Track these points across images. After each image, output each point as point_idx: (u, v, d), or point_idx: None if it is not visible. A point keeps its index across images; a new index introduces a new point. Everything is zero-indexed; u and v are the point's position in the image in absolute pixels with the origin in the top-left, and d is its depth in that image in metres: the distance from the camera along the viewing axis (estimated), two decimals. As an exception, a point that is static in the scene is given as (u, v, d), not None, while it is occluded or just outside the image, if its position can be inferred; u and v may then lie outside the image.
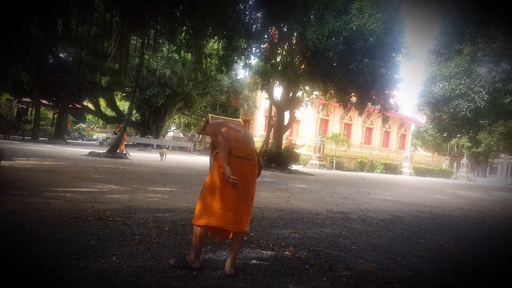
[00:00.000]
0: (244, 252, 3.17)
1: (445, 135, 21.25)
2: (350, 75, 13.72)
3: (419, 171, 29.65)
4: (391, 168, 27.92)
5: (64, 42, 17.28)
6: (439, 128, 20.67)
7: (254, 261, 2.98)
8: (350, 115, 27.98)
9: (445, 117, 18.79)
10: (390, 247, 3.92)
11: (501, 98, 16.28)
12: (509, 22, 9.72)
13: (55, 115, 27.67)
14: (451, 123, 19.12)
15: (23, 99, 25.90)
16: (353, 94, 16.23)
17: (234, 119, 3.17)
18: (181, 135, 36.32)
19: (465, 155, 35.78)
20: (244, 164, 2.63)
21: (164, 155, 15.30)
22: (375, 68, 13.41)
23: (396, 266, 3.26)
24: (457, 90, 16.69)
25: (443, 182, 22.71)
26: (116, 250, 2.85)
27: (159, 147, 25.47)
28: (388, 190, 12.04)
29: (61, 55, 22.14)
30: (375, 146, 32.03)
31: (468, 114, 16.70)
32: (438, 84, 18.68)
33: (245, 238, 3.26)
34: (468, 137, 24.86)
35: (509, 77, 15.81)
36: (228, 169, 2.52)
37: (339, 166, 25.32)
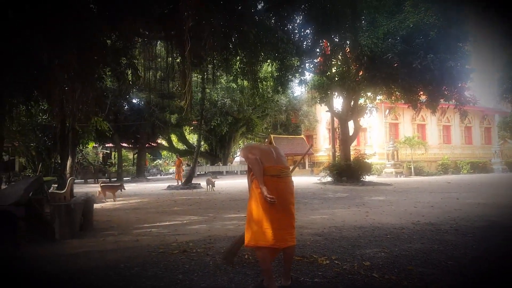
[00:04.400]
0: (328, 278, 3.04)
1: (539, 121, 18.61)
2: (415, 74, 12.90)
3: (514, 166, 26.18)
4: (479, 167, 25.13)
5: (135, 88, 19.11)
6: (529, 114, 18.19)
7: (340, 286, 2.83)
8: (421, 115, 26.04)
9: (535, 101, 16.53)
10: (489, 258, 3.45)
11: None
12: None
13: (135, 155, 30.37)
14: (545, 107, 16.72)
15: (106, 145, 28.94)
16: (421, 92, 15.17)
17: (269, 145, 3.24)
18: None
19: None
20: (279, 182, 2.76)
21: (210, 185, 13.52)
22: (442, 62, 12.43)
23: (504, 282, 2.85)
24: (546, 70, 14.66)
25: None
26: (203, 283, 2.94)
27: (228, 173, 26.32)
28: (480, 192, 10.78)
29: (133, 100, 24.51)
30: (456, 144, 29.15)
31: None
32: (520, 66, 16.59)
33: (319, 258, 3.13)
34: None
35: None
36: (264, 188, 2.64)
37: (419, 172, 23.44)
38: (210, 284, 2.90)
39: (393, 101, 17.76)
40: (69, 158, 10.06)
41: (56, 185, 10.04)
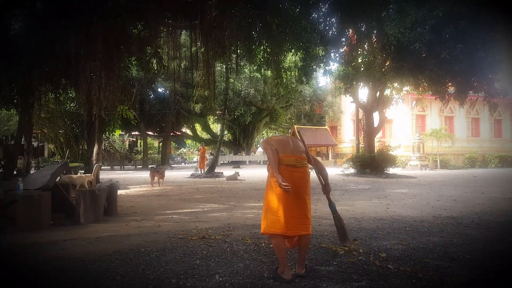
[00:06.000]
0: (343, 267, 3.09)
1: None
2: (443, 64, 12.47)
3: (549, 161, 24.89)
4: (508, 161, 24.12)
5: (160, 78, 19.50)
6: None
7: (354, 276, 2.88)
8: (450, 107, 25.11)
9: None
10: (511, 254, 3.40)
11: None
12: None
13: (160, 144, 31.11)
14: None
15: (132, 133, 29.78)
16: (449, 84, 14.65)
17: (290, 137, 3.20)
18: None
19: None
20: (295, 172, 2.82)
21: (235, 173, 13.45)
22: (472, 52, 11.93)
23: (525, 278, 2.81)
24: None
25: None
26: (219, 269, 3.06)
27: (251, 162, 26.49)
28: (507, 187, 10.42)
29: (159, 90, 25.01)
30: (485, 138, 27.99)
31: None
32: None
33: (324, 245, 3.19)
34: None
35: None
36: (279, 176, 2.70)
37: (445, 165, 22.76)
38: (226, 270, 3.02)
39: (420, 93, 17.24)
40: (96, 145, 10.47)
41: (83, 171, 10.51)
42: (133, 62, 10.81)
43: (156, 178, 10.82)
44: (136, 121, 18.52)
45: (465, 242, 3.88)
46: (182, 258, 3.39)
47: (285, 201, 2.75)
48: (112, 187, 6.09)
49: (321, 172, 3.04)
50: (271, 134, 37.11)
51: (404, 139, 24.61)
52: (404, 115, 25.54)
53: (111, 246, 3.85)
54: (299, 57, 13.74)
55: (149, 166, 18.77)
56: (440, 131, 23.22)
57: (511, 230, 4.47)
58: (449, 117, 27.05)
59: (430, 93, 16.29)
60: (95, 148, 10.41)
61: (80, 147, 14.49)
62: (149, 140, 29.82)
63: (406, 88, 17.41)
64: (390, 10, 12.60)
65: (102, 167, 12.48)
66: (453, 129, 26.43)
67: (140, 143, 31.65)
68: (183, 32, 11.93)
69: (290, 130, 28.75)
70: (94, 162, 9.97)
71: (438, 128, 23.83)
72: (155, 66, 10.59)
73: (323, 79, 26.38)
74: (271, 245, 3.77)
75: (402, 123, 25.88)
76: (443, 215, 5.56)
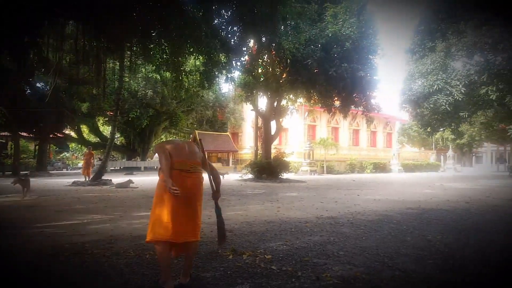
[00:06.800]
0: (229, 272, 3.07)
1: (428, 130, 21.49)
2: (331, 80, 13.87)
3: (408, 167, 29.91)
4: (380, 167, 28.12)
5: (39, 71, 17.00)
6: (422, 123, 20.92)
7: (239, 280, 2.89)
8: (336, 119, 28.22)
9: (427, 112, 19.03)
10: (378, 248, 3.88)
11: (477, 89, 16.63)
12: (477, 17, 9.99)
13: (37, 147, 27.10)
14: (433, 117, 19.38)
15: (1, 134, 25.30)
16: (336, 98, 16.38)
17: (188, 142, 3.12)
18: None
19: (450, 147, 36.36)
20: (188, 177, 2.76)
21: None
22: (354, 71, 13.58)
23: (383, 268, 3.22)
24: (435, 86, 16.98)
25: (431, 176, 22.92)
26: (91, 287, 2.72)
27: (146, 169, 25.12)
28: (378, 189, 12.08)
29: (38, 85, 21.72)
30: (363, 147, 32.30)
31: (447, 107, 16.97)
32: (416, 81, 18.95)
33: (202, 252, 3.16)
34: (450, 129, 25.18)
35: (483, 68, 16.16)
36: (169, 180, 2.60)
37: (330, 170, 25.37)
38: None
39: (312, 105, 18.90)
40: None
41: None
42: (5, 51, 9.18)
43: (23, 188, 9.11)
44: (4, 119, 15.72)
45: (340, 240, 4.28)
46: (49, 278, 2.92)
47: (175, 206, 2.63)
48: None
49: (215, 179, 3.00)
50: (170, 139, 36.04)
51: (297, 147, 26.65)
52: (298, 124, 27.68)
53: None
54: (201, 61, 13.63)
55: (21, 172, 16.09)
56: (327, 140, 25.83)
57: (377, 227, 5.11)
58: (335, 128, 30.34)
59: (320, 105, 17.94)
60: None
61: None
62: (22, 142, 25.68)
63: (300, 99, 18.86)
64: (288, 26, 13.49)
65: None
66: (338, 138, 29.73)
67: (11, 145, 27.05)
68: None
69: (191, 135, 28.32)
70: None
71: (326, 137, 26.48)
72: (33, 57, 9.22)
73: (226, 86, 26.88)
74: (156, 256, 3.55)
75: (296, 132, 27.98)
76: (324, 216, 6.09)
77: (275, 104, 17.69)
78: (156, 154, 3.02)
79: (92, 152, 16.60)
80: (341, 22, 13.78)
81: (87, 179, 14.17)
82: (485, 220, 5.89)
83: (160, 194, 2.72)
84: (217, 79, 17.00)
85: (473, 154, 45.49)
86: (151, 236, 2.65)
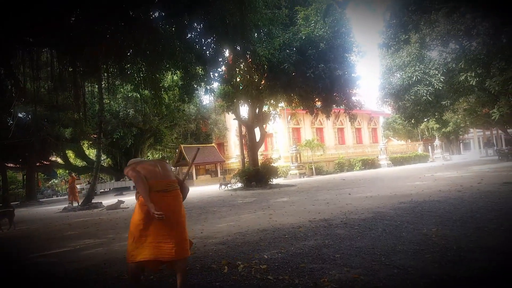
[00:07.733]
0: (225, 286, 3.02)
1: (412, 121, 21.91)
2: (309, 82, 14.01)
3: (396, 161, 30.25)
4: (368, 163, 28.39)
5: (19, 101, 16.62)
6: (405, 116, 21.31)
7: (236, 294, 2.84)
8: (319, 120, 28.41)
9: (408, 104, 19.41)
10: (374, 247, 3.88)
11: (456, 76, 17.01)
12: (446, 5, 10.25)
13: (24, 176, 26.45)
14: (415, 109, 19.77)
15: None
16: (316, 99, 16.51)
17: (158, 161, 3.08)
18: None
19: (436, 136, 36.97)
20: (166, 197, 2.74)
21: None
22: (331, 71, 13.74)
23: (381, 267, 3.21)
24: (414, 77, 17.37)
25: (421, 167, 23.19)
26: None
27: (136, 189, 24.69)
28: (369, 186, 12.14)
29: (19, 115, 21.27)
30: (350, 144, 32.57)
31: (429, 97, 17.35)
32: (395, 74, 19.36)
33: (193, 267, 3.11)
34: (434, 119, 25.72)
35: (459, 55, 16.55)
36: (151, 205, 2.58)
37: (319, 171, 25.49)
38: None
39: (293, 108, 19.00)
40: None
41: None
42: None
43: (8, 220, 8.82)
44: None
45: (335, 242, 4.27)
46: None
47: (160, 227, 2.63)
48: None
49: (182, 191, 2.96)
50: (157, 156, 35.69)
51: (284, 151, 26.70)
52: (282, 129, 27.78)
53: None
54: (178, 76, 13.59)
55: (11, 203, 15.72)
56: (313, 142, 25.97)
57: (371, 225, 5.12)
58: (319, 129, 30.55)
59: (302, 108, 18.06)
60: None
61: None
62: (10, 173, 25.11)
63: (281, 104, 18.95)
64: (261, 33, 13.60)
65: None
66: (324, 139, 29.92)
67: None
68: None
69: (177, 150, 28.09)
70: None
71: (311, 139, 26.62)
72: (11, 88, 9.02)
73: (206, 97, 26.85)
74: (151, 277, 3.47)
75: (281, 136, 28.06)
76: (317, 219, 6.07)
77: (257, 111, 17.72)
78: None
79: (74, 177, 16.36)
80: (313, 24, 13.97)
81: (77, 205, 13.98)
82: (478, 207, 5.82)
83: (140, 217, 2.70)
84: (196, 91, 16.97)
85: (461, 141, 46.39)
86: (138, 257, 2.63)
